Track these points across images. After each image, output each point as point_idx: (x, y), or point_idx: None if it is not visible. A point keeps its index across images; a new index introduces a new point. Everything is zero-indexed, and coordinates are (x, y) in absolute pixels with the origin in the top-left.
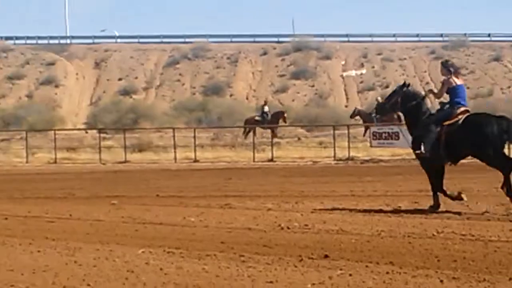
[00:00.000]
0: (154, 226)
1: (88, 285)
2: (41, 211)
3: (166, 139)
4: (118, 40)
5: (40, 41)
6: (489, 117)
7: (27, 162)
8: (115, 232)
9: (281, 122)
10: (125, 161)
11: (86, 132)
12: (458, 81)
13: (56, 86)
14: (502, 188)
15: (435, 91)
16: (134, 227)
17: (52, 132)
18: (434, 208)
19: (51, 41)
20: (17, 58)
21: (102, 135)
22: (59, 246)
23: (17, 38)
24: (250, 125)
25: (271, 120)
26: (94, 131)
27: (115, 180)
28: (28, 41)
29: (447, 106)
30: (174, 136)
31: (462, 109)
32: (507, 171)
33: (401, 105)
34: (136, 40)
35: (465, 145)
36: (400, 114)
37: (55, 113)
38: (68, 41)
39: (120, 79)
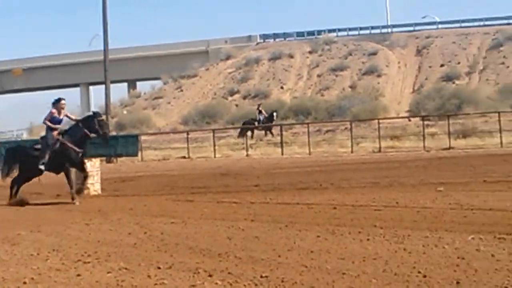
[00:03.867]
0: (483, 212)
1: (419, 272)
2: (368, 200)
3: (491, 123)
4: (439, 26)
5: (361, 32)
6: None
7: (352, 151)
8: (443, 218)
9: None
10: (449, 148)
11: (409, 120)
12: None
13: (379, 76)
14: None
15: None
16: (462, 214)
17: (376, 121)
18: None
19: (373, 31)
20: (340, 50)
21: (425, 122)
22: (387, 234)
23: (339, 30)
24: None
25: None
26: (417, 118)
27: (440, 166)
28: (350, 33)
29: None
30: (499, 120)
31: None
32: None
33: None
34: (457, 24)
35: None
36: None
37: (378, 102)
38: (389, 30)
39: (442, 65)
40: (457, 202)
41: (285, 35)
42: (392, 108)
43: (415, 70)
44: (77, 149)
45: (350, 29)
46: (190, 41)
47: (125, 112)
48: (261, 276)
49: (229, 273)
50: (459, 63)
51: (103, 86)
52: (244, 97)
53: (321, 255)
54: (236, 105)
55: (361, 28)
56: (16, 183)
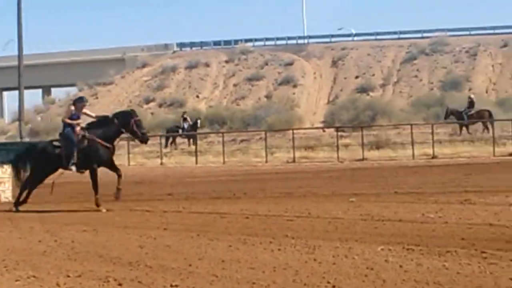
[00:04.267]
0: (393, 223)
1: (328, 282)
2: (280, 210)
3: (404, 135)
4: (355, 38)
5: (278, 42)
6: None
7: (266, 161)
8: (354, 229)
9: None
10: (363, 159)
11: (324, 131)
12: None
13: (294, 86)
14: None
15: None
16: (373, 224)
17: (291, 131)
18: None
19: (289, 42)
20: (256, 59)
21: (339, 133)
22: (298, 244)
23: (256, 40)
24: None
25: None
26: (332, 129)
27: (353, 177)
28: (267, 43)
29: None
30: (411, 132)
31: None
32: None
33: None
34: (373, 37)
35: None
36: None
37: (293, 112)
38: (306, 41)
39: (357, 77)
40: (368, 213)
41: (202, 44)
42: (307, 119)
43: (330, 81)
44: (107, 145)
45: (267, 39)
46: (106, 48)
47: (39, 118)
48: (171, 285)
49: (139, 282)
50: (373, 75)
51: (17, 92)
52: (160, 105)
53: (232, 265)
54: (152, 113)
55: (277, 39)
56: (29, 185)
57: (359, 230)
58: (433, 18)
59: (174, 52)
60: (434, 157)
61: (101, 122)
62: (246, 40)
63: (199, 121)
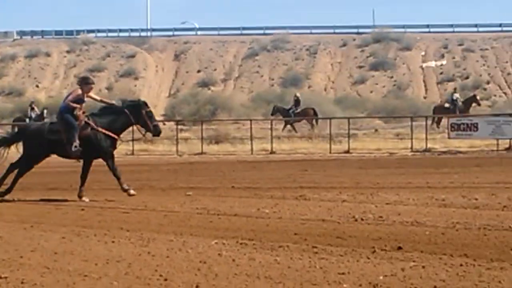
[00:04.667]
0: (228, 217)
1: (161, 275)
2: (117, 202)
3: (243, 130)
4: (198, 32)
5: (121, 34)
6: None
7: None
8: (189, 223)
9: None
10: (202, 153)
11: (164, 124)
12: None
13: (136, 78)
14: None
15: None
16: (208, 218)
17: None
18: None
19: (132, 34)
20: (98, 50)
21: (179, 126)
22: (133, 237)
23: (98, 31)
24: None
25: None
26: (172, 122)
27: (191, 171)
28: (110, 34)
29: None
30: (251, 127)
31: None
32: None
33: None
34: (215, 32)
35: None
36: None
37: None
38: (149, 33)
39: (199, 71)
40: (204, 207)
41: (43, 33)
42: None
43: (172, 74)
44: (115, 136)
45: (109, 31)
46: None
47: None
48: (1, 277)
49: None
50: (215, 69)
51: None
52: None
53: (64, 257)
54: None
55: (120, 30)
56: (15, 168)
57: (194, 223)
58: (275, 16)
59: (14, 40)
60: (272, 152)
61: (109, 110)
62: (89, 31)
63: (45, 111)
